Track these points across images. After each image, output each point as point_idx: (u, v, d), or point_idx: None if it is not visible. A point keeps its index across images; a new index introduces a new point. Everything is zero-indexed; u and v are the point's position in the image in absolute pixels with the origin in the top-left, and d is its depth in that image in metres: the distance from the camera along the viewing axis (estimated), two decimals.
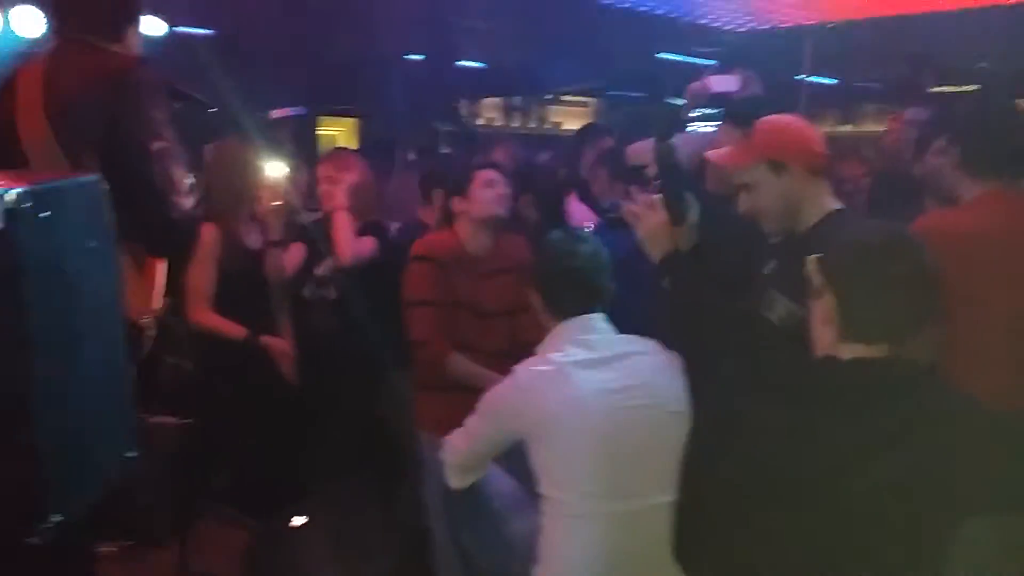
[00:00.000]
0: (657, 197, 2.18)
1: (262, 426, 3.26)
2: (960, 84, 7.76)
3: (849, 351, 1.54)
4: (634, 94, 9.60)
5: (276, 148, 3.38)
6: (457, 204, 2.87)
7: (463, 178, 2.86)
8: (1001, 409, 2.00)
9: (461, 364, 2.71)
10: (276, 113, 5.17)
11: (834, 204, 2.12)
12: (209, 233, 3.10)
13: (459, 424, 2.17)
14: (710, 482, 1.67)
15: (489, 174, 2.87)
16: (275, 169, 3.20)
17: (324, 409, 3.24)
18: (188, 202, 2.02)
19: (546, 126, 10.61)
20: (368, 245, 3.26)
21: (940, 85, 6.60)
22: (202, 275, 3.05)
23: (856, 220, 2.00)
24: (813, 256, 1.62)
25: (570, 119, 10.68)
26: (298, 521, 2.73)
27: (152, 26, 4.16)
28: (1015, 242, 2.18)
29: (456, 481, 2.16)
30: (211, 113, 2.77)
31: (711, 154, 2.20)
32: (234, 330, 3.10)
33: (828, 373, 1.56)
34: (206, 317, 3.07)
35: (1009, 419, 1.68)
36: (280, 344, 3.16)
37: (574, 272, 2.07)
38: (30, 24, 4.12)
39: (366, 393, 3.16)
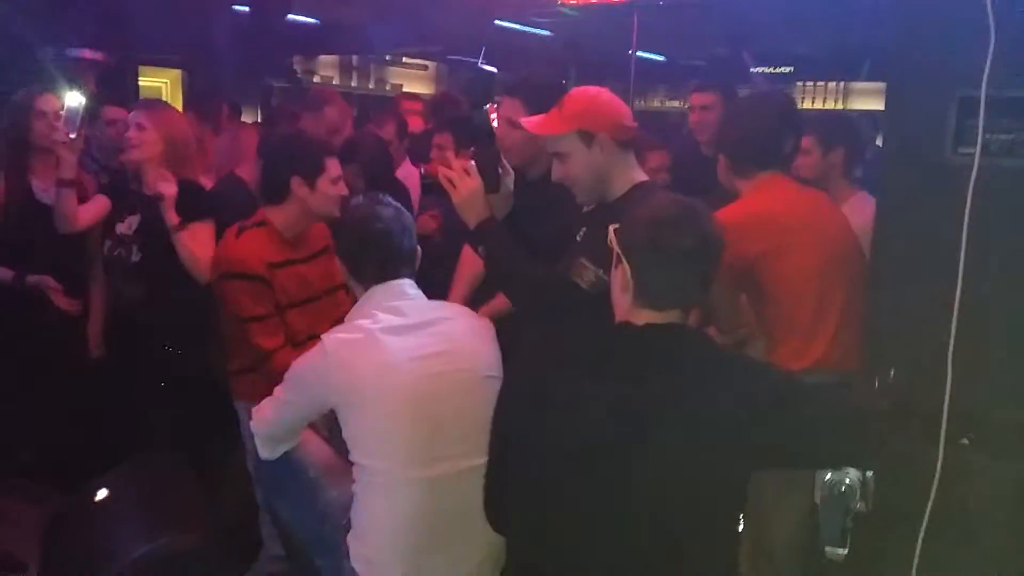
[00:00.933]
0: (472, 164, 2.19)
1: (61, 394, 3.07)
2: (775, 65, 8.30)
3: (643, 317, 1.62)
4: (473, 60, 9.60)
5: (76, 87, 3.14)
6: (298, 186, 2.63)
7: (314, 164, 2.63)
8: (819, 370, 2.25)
9: None
10: (80, 53, 4.78)
11: (640, 176, 2.22)
12: None
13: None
14: (517, 445, 1.71)
15: (338, 168, 2.68)
16: (73, 97, 2.96)
17: (128, 377, 3.07)
18: None
19: (387, 87, 10.42)
20: (208, 237, 2.92)
21: (757, 66, 7.02)
22: None
23: (656, 193, 2.09)
24: (611, 227, 1.68)
25: (411, 82, 10.55)
26: (101, 494, 2.58)
27: None
28: (798, 218, 2.40)
29: (266, 452, 2.11)
30: None
31: (524, 122, 2.23)
32: (2, 274, 3.02)
33: (623, 338, 1.64)
34: None
35: (792, 378, 1.83)
36: (49, 280, 3.07)
37: (375, 237, 2.04)
38: None
39: (175, 361, 2.99)
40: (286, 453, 2.14)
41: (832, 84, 8.80)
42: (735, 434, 1.52)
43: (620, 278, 1.66)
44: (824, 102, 8.74)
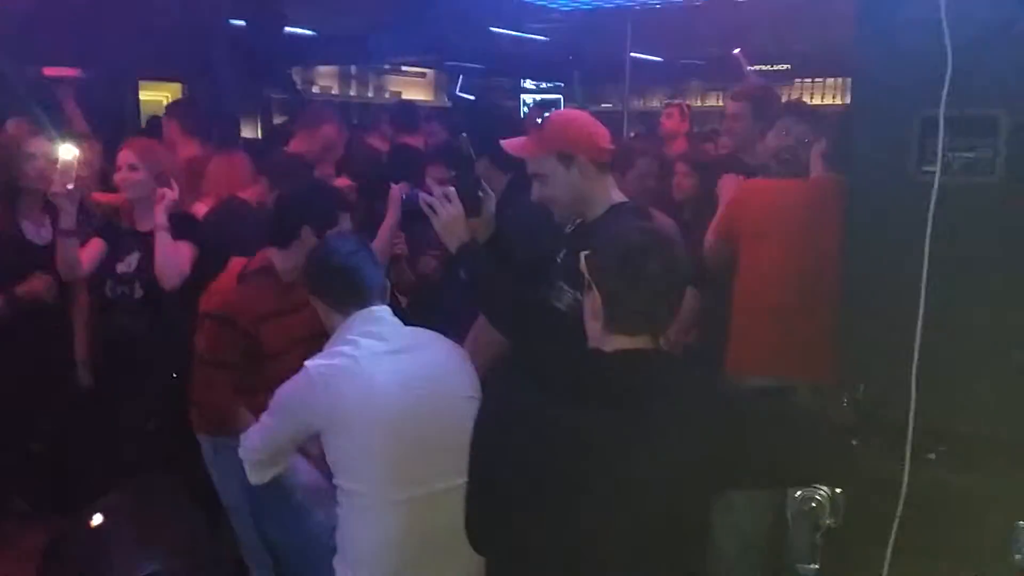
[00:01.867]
0: (452, 189, 2.23)
1: (59, 421, 3.12)
2: (771, 64, 8.29)
3: (614, 343, 1.65)
4: (472, 66, 9.64)
5: (49, 112, 3.19)
6: (307, 234, 2.52)
7: (328, 216, 2.54)
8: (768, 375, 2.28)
9: (247, 417, 2.47)
10: (52, 71, 4.70)
11: (619, 197, 2.24)
12: None
13: (235, 427, 2.19)
14: (492, 467, 1.75)
15: (349, 224, 2.62)
16: (68, 150, 2.99)
17: (129, 407, 3.12)
18: None
19: (386, 95, 10.45)
20: (187, 254, 3.00)
21: (752, 65, 7.02)
22: None
23: (629, 215, 2.12)
24: (583, 253, 1.71)
25: (410, 89, 10.58)
26: (97, 520, 2.62)
27: None
28: (790, 214, 2.45)
29: (256, 477, 2.15)
30: None
31: (505, 143, 2.26)
32: None
33: (593, 365, 1.66)
34: None
35: (763, 399, 1.85)
36: (36, 280, 3.11)
37: (345, 262, 2.10)
38: None
39: (174, 393, 3.01)
40: (273, 478, 2.18)
41: (831, 80, 8.77)
42: (704, 457, 1.55)
43: (591, 304, 1.69)
44: (823, 98, 8.71)
